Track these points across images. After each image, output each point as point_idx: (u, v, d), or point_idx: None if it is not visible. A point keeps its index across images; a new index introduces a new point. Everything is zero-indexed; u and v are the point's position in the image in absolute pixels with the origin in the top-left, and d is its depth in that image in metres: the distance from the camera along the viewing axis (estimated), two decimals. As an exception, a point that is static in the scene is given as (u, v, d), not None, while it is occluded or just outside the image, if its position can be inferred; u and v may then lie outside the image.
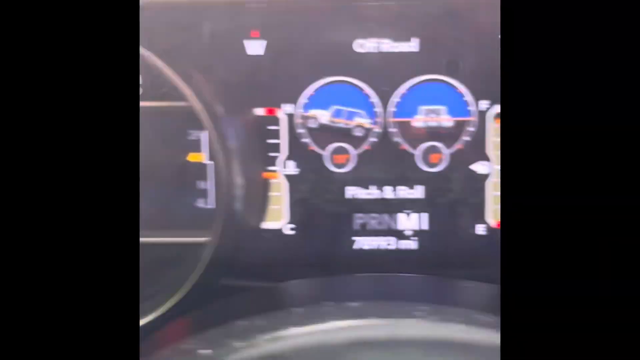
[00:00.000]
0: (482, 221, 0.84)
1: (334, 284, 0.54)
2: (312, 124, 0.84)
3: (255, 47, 0.83)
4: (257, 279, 0.83)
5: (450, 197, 0.84)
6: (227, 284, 0.80)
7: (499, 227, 0.84)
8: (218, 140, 0.72)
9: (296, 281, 0.56)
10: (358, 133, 0.84)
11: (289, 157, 0.85)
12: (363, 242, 0.86)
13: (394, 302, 0.41)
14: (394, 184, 0.85)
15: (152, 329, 0.66)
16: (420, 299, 0.43)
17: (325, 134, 0.84)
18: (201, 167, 0.85)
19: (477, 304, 0.45)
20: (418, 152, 0.84)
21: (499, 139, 0.83)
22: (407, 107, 0.83)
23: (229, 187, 0.73)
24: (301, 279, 0.75)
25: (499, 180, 0.83)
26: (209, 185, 0.84)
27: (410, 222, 0.85)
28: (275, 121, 0.84)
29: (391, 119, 0.83)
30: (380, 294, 0.47)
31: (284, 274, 0.84)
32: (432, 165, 0.84)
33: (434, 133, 0.83)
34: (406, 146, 0.84)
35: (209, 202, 0.85)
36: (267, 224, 0.86)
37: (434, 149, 0.83)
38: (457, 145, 0.83)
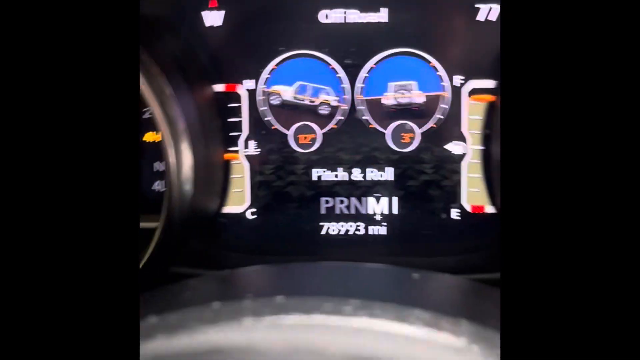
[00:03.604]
0: (457, 205, 0.79)
1: (277, 273, 0.48)
2: (275, 101, 0.79)
3: (213, 18, 0.77)
4: (214, 267, 0.77)
5: (423, 179, 0.79)
6: (178, 272, 0.75)
7: (475, 211, 0.78)
8: (165, 119, 0.66)
9: (237, 270, 0.50)
10: (324, 111, 0.78)
11: (250, 137, 0.79)
12: (330, 227, 0.80)
13: (320, 296, 0.35)
14: (363, 165, 0.79)
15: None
16: (358, 292, 0.37)
17: (289, 111, 0.78)
18: (157, 147, 0.80)
19: (426, 299, 0.40)
20: (388, 131, 0.78)
21: (475, 117, 0.77)
22: (376, 82, 0.77)
23: (179, 169, 0.67)
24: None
25: (477, 161, 0.78)
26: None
27: (379, 206, 0.79)
28: (236, 98, 0.79)
29: (359, 96, 0.78)
30: (320, 287, 0.42)
31: (244, 262, 0.79)
32: (403, 145, 0.78)
33: (405, 110, 0.77)
34: (375, 125, 0.78)
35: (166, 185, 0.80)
36: (228, 209, 0.81)
37: (405, 128, 0.78)
38: (430, 124, 0.77)
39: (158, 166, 0.80)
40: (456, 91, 0.76)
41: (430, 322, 0.34)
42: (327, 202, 0.80)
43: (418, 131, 0.78)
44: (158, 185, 0.81)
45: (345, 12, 0.76)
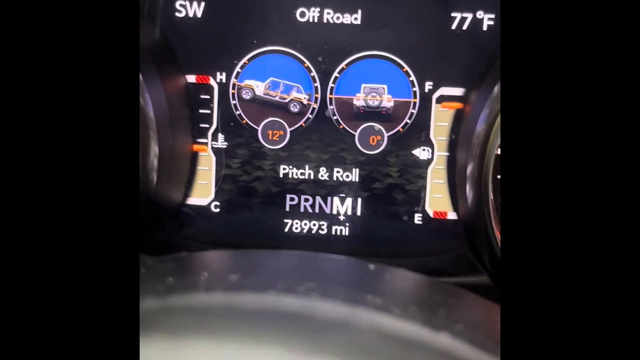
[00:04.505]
0: (420, 209, 0.79)
1: (234, 257, 0.49)
2: (246, 95, 0.79)
3: (189, 8, 0.77)
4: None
5: (388, 182, 0.79)
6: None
7: (437, 217, 0.79)
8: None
9: (194, 253, 0.51)
10: (294, 108, 0.79)
11: (219, 130, 0.79)
12: (294, 225, 0.81)
13: (274, 278, 0.36)
14: (330, 164, 0.80)
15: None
16: (313, 276, 0.38)
17: (259, 106, 0.79)
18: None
19: (378, 287, 0.40)
20: (356, 132, 0.79)
21: (443, 124, 0.78)
22: (348, 83, 0.78)
23: (144, 157, 0.67)
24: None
25: (441, 167, 0.79)
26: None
27: (344, 206, 0.80)
28: (208, 90, 0.79)
29: (330, 96, 0.78)
30: (276, 270, 0.42)
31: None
32: (370, 148, 0.79)
33: (375, 113, 0.78)
34: (345, 125, 0.79)
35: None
36: (193, 200, 0.81)
37: (373, 130, 0.79)
38: (398, 128, 0.78)
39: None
40: (425, 97, 0.78)
41: (381, 306, 0.35)
42: (292, 199, 0.80)
43: (385, 134, 0.78)
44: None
45: (321, 11, 0.77)
